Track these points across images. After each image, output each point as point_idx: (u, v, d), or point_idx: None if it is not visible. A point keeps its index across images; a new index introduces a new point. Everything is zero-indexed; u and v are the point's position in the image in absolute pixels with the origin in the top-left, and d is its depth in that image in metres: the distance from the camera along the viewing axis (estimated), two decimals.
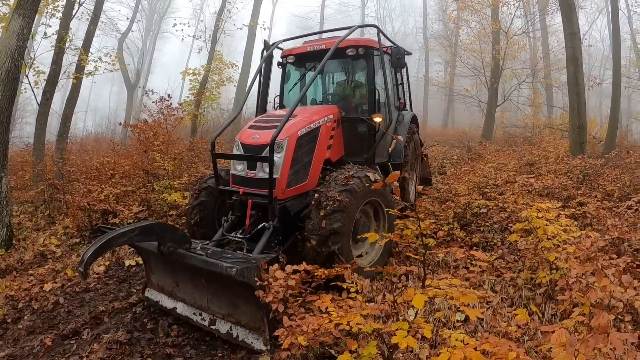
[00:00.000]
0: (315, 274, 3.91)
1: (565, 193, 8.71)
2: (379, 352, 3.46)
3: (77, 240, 8.27)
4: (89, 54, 14.24)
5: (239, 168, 6.08)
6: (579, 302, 3.64)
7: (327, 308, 3.36)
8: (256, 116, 7.28)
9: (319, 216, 5.37)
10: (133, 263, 7.04)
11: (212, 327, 4.76)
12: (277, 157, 5.66)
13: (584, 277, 4.06)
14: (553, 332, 2.52)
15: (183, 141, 14.64)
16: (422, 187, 5.16)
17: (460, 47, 29.11)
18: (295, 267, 4.02)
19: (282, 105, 8.01)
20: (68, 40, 13.16)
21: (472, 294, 2.90)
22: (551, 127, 22.02)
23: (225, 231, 5.92)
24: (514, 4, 22.26)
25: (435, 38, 35.15)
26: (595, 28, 37.12)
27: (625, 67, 23.52)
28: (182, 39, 22.19)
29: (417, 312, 3.63)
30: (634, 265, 5.00)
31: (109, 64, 15.50)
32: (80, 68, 13.93)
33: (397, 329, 2.86)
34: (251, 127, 6.26)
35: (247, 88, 7.25)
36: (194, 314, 4.98)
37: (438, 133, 27.40)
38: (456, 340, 2.90)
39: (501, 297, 5.04)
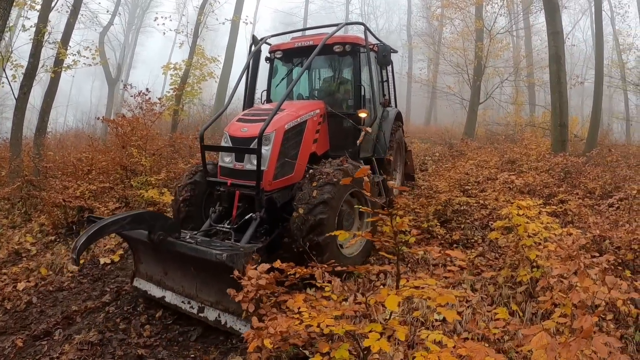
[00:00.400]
0: (289, 272, 3.85)
1: (547, 190, 8.75)
2: (353, 354, 3.36)
3: (53, 238, 8.08)
4: (68, 48, 13.93)
5: (227, 160, 6.18)
6: (561, 303, 3.58)
7: (299, 308, 3.26)
8: (243, 110, 7.34)
9: (311, 187, 5.54)
10: (108, 261, 6.91)
11: (200, 314, 4.82)
12: (265, 150, 5.77)
13: (566, 276, 4.00)
14: (534, 334, 2.44)
15: (163, 137, 14.47)
16: (394, 183, 5.36)
17: (443, 44, 29.22)
18: (267, 265, 4.03)
19: (269, 100, 8.12)
20: (47, 33, 12.83)
21: (449, 294, 2.81)
22: (533, 125, 22.13)
23: (213, 222, 5.99)
24: (497, 3, 22.41)
25: (419, 35, 35.21)
26: (579, 29, 37.46)
27: (607, 67, 23.70)
28: (164, 33, 21.92)
29: (391, 313, 3.54)
30: (615, 264, 4.99)
31: (88, 58, 15.18)
32: (58, 62, 13.60)
33: (369, 331, 2.76)
34: (239, 120, 6.36)
35: (235, 82, 7.30)
36: (182, 302, 5.03)
37: (421, 130, 27.47)
38: (433, 341, 2.80)
39: (481, 296, 4.98)
